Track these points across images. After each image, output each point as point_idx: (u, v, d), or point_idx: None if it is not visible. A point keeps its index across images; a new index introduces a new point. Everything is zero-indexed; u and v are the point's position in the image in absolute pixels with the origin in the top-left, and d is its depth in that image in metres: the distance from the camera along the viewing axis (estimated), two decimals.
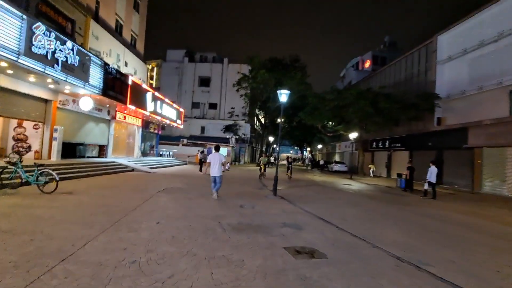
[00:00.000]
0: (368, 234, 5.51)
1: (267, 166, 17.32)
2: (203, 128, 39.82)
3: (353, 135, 21.82)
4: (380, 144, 27.20)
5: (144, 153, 22.38)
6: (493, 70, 15.85)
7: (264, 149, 39.25)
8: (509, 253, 4.98)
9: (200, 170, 16.99)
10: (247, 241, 4.56)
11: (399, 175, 16.23)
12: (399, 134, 23.97)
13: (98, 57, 13.21)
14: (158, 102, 18.96)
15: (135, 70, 22.20)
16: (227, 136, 36.77)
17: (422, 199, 11.99)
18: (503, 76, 15.22)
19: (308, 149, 59.99)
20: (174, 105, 22.73)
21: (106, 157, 16.32)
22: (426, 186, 12.38)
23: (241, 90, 31.65)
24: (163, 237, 4.42)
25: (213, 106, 41.54)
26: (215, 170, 8.23)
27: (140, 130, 20.52)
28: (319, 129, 46.27)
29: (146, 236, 4.44)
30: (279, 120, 38.12)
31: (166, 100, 20.71)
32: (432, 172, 12.12)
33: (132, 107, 15.46)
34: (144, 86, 17.39)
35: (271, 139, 39.95)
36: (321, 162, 41.05)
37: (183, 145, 32.98)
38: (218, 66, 41.87)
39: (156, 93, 18.98)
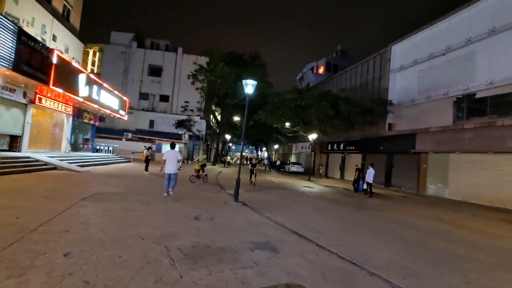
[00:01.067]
0: (355, 253, 4.49)
1: (205, 166, 13.32)
2: (152, 122, 36.13)
3: (312, 137, 21.61)
4: (335, 147, 27.84)
5: (75, 148, 18.75)
6: (440, 81, 16.97)
7: (220, 147, 37.43)
8: (503, 269, 4.44)
9: (146, 169, 14.58)
10: (209, 280, 3.07)
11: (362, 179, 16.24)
12: (354, 138, 24.74)
13: (9, 20, 10.08)
14: (95, 87, 15.87)
15: (66, 48, 18.46)
16: (180, 132, 33.96)
17: (365, 197, 12.97)
18: (449, 87, 16.34)
19: (264, 149, 59.83)
20: (116, 92, 19.56)
21: (19, 151, 12.83)
22: (365, 186, 13.63)
23: (197, 82, 29.31)
24: (67, 286, 2.65)
25: (164, 98, 38.08)
26: (171, 167, 8.12)
27: (70, 119, 17.02)
28: (278, 129, 46.51)
29: (36, 284, 2.62)
30: (236, 118, 36.94)
31: (106, 85, 17.58)
32: (369, 174, 13.15)
33: (59, 90, 12.39)
34: (76, 65, 14.24)
35: (228, 137, 38.28)
36: (277, 163, 40.99)
37: (128, 139, 29.30)
38: (171, 55, 38.53)
39: (93, 76, 15.85)
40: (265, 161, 39.39)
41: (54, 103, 14.82)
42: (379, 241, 5.47)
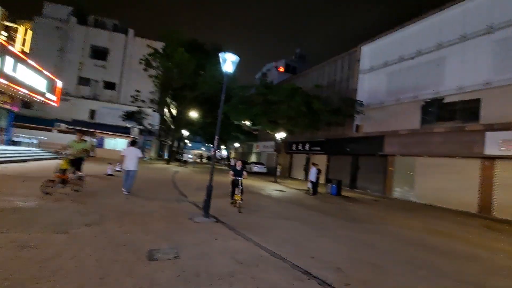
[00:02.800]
0: None
1: (82, 163, 7.48)
2: (93, 112, 30.98)
3: (279, 135, 20.20)
4: (300, 147, 27.00)
5: None
6: (410, 84, 16.98)
7: (175, 144, 33.92)
8: None
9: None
10: None
11: (329, 181, 15.25)
12: (319, 138, 24.12)
13: None
14: (8, 59, 11.87)
15: None
16: (128, 126, 29.69)
17: (308, 195, 13.52)
18: (418, 90, 16.38)
19: (223, 147, 57.32)
20: (42, 70, 15.39)
21: None
22: (309, 185, 14.28)
23: (150, 70, 25.66)
24: None
25: (110, 85, 33.13)
26: (130, 163, 7.93)
27: None
28: (238, 126, 44.41)
29: None
30: (193, 114, 33.91)
31: (27, 59, 13.50)
32: (312, 173, 14.10)
33: None
34: None
35: (185, 133, 35.04)
36: (233, 162, 39.00)
37: (60, 131, 24.25)
38: (120, 36, 33.71)
39: (5, 44, 11.84)
40: (232, 162, 37.05)
41: None
42: (424, 282, 3.94)
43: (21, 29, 40.23)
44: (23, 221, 4.31)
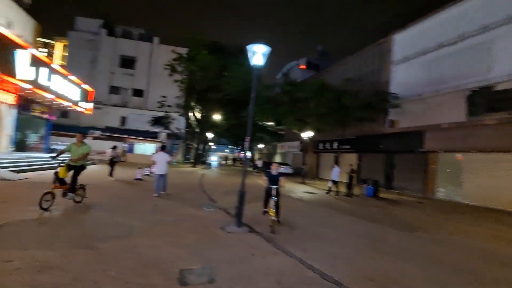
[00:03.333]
0: None
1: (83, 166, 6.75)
2: (123, 119, 32.22)
3: (307, 135, 19.34)
4: (327, 146, 25.85)
5: (23, 147, 15.01)
6: (451, 73, 15.35)
7: (200, 147, 34.22)
8: None
9: (111, 174, 11.39)
10: None
11: (364, 181, 14.17)
12: (348, 136, 22.83)
13: None
14: (44, 70, 12.36)
15: (8, 22, 14.60)
16: (156, 130, 30.42)
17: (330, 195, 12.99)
18: (461, 79, 14.73)
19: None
20: (75, 79, 15.99)
21: None
22: (330, 184, 13.66)
23: (175, 74, 25.99)
24: None
25: (138, 93, 34.29)
26: (161, 168, 8.41)
27: (14, 111, 13.33)
28: (263, 127, 43.95)
29: None
30: (216, 116, 33.98)
31: (60, 70, 14.05)
32: (334, 172, 13.47)
33: None
34: (12, 36, 10.73)
35: (210, 135, 35.23)
36: (259, 164, 38.51)
37: (94, 138, 25.34)
38: (146, 45, 34.79)
39: (40, 55, 12.34)
40: (260, 163, 36.57)
41: None
42: None
43: (58, 45, 42.97)
44: (47, 234, 4.08)
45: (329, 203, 10.63)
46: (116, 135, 27.25)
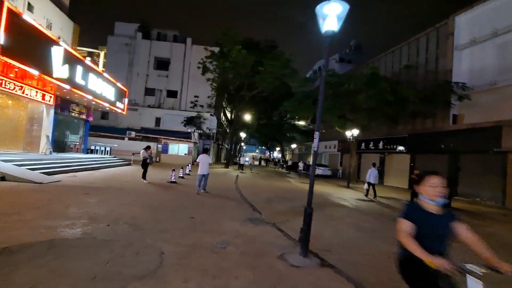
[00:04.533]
0: None
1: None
2: (158, 120, 32.57)
3: (350, 133, 17.28)
4: (371, 145, 23.38)
5: (63, 148, 15.10)
6: None
7: (232, 147, 33.38)
8: None
9: (144, 176, 10.61)
10: None
11: (451, 189, 11.83)
12: (399, 134, 20.24)
13: None
14: (80, 69, 12.06)
15: (49, 23, 14.78)
16: (189, 130, 30.22)
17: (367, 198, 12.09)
18: None
19: (278, 149, 55.55)
20: (111, 78, 15.77)
21: None
22: (366, 186, 12.87)
23: (208, 73, 25.33)
24: None
25: (172, 94, 34.53)
26: (204, 169, 9.13)
27: (52, 112, 13.30)
28: (295, 126, 42.07)
29: None
30: (248, 115, 32.88)
31: (96, 68, 13.78)
32: (371, 174, 12.48)
33: (13, 62, 8.57)
34: (48, 33, 10.40)
35: (242, 135, 34.32)
36: (289, 163, 36.84)
37: (130, 139, 25.60)
38: (179, 46, 34.94)
39: (75, 53, 12.04)
40: (289, 162, 34.95)
41: (26, 88, 11.09)
42: None
43: (102, 53, 45.30)
44: (55, 267, 2.98)
45: (396, 215, 8.72)
46: (151, 135, 27.36)
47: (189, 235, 4.64)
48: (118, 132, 28.73)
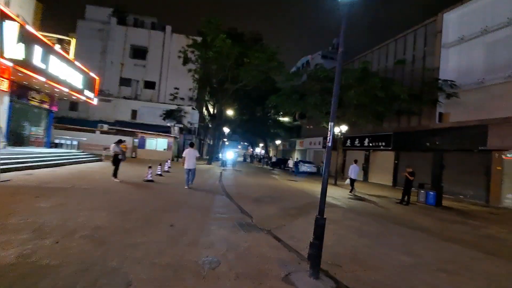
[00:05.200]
0: None
1: None
2: (134, 112, 30.53)
3: (337, 129, 16.83)
4: (356, 142, 23.23)
5: (19, 141, 13.23)
6: None
7: (213, 142, 32.12)
8: None
9: (115, 174, 9.29)
10: None
11: (421, 186, 11.60)
12: (384, 132, 20.15)
13: None
14: (39, 50, 10.39)
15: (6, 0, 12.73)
16: (168, 124, 28.55)
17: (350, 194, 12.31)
18: None
19: (261, 145, 54.85)
20: (78, 64, 14.07)
21: None
22: (347, 181, 13.42)
23: (189, 63, 23.84)
24: None
25: (150, 85, 32.55)
26: (190, 163, 9.13)
27: (6, 99, 11.47)
28: (279, 121, 41.45)
29: None
30: (231, 110, 31.74)
31: (59, 51, 12.07)
32: (353, 170, 12.91)
33: None
34: None
35: (226, 130, 33.18)
36: (273, 159, 36.28)
37: (102, 132, 23.62)
38: (158, 34, 32.93)
39: (32, 30, 10.34)
40: (274, 159, 34.16)
41: None
42: None
43: (74, 41, 41.74)
44: None
45: (396, 217, 8.15)
46: (126, 129, 25.45)
47: (168, 250, 3.65)
48: (89, 125, 26.46)
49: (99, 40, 31.96)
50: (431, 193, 10.64)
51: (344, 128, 16.16)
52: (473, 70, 14.79)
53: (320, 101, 14.86)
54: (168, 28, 32.90)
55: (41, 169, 9.90)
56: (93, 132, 23.83)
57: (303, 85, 17.79)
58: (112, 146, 9.23)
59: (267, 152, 48.01)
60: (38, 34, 10.19)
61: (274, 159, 36.78)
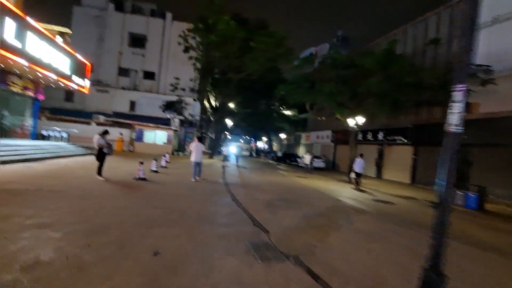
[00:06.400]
0: None
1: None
2: (133, 104, 29.06)
3: (352, 122, 15.25)
4: (369, 136, 21.58)
5: (2, 132, 11.79)
6: None
7: (215, 135, 30.59)
8: None
9: (99, 172, 7.79)
10: None
11: (457, 186, 10.02)
12: (401, 124, 18.50)
13: None
14: (12, 25, 8.83)
15: None
16: (168, 116, 27.05)
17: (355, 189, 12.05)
18: None
19: (265, 139, 53.24)
20: (63, 44, 12.49)
21: None
22: (353, 175, 12.84)
23: (190, 51, 22.15)
24: None
25: (149, 75, 30.93)
26: (198, 156, 9.27)
27: None
28: (284, 115, 39.71)
29: None
30: (233, 103, 30.08)
31: (38, 27, 10.46)
32: (359, 164, 12.62)
33: None
34: None
35: (229, 123, 31.63)
36: (278, 154, 34.93)
37: (98, 124, 22.16)
38: (158, 22, 31.17)
39: (8, 4, 8.74)
40: (279, 153, 32.65)
41: None
42: None
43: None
44: None
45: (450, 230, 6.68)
46: (124, 121, 23.98)
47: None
48: (85, 116, 25.08)
49: (95, 27, 30.25)
50: (472, 195, 9.08)
51: (360, 120, 14.55)
52: (507, 55, 13.05)
53: (335, 90, 13.18)
54: (169, 15, 31.11)
55: (14, 164, 8.45)
56: (88, 123, 22.40)
57: (315, 72, 16.09)
58: (96, 137, 7.71)
59: (271, 146, 46.41)
60: (8, 3, 8.60)
61: (279, 154, 35.33)
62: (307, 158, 18.42)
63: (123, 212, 4.80)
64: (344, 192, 11.15)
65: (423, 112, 17.15)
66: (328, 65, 14.44)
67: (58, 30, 38.19)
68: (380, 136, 20.53)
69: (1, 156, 8.03)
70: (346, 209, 7.32)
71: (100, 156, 7.75)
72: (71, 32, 30.60)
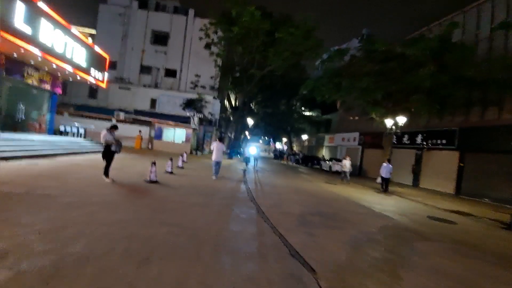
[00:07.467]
0: None
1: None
2: (153, 101, 28.68)
3: (391, 123, 13.43)
4: (405, 139, 19.45)
5: (12, 126, 11.34)
6: None
7: (235, 135, 29.52)
8: None
9: (106, 172, 6.78)
10: None
11: None
12: (445, 127, 16.34)
13: None
14: (22, 7, 8.13)
15: None
16: (188, 114, 26.34)
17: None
18: None
19: (285, 140, 51.54)
20: (79, 35, 11.84)
21: None
22: (379, 180, 12.69)
23: (212, 46, 21.21)
24: None
25: (170, 73, 30.47)
26: (218, 155, 9.63)
27: None
28: (304, 116, 37.97)
29: None
30: (254, 102, 28.79)
31: (53, 14, 9.78)
32: (385, 169, 12.33)
33: None
34: None
35: (250, 122, 30.47)
36: (300, 156, 33.36)
37: (118, 121, 21.80)
38: (180, 19, 30.62)
39: None
40: (300, 155, 31.06)
41: None
42: None
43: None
44: None
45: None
46: (144, 118, 23.55)
47: None
48: (108, 113, 24.94)
49: (120, 24, 30.31)
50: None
51: (401, 120, 12.72)
52: None
53: (373, 85, 11.49)
54: (191, 12, 30.48)
55: (18, 161, 7.72)
56: (110, 120, 22.13)
57: (346, 67, 14.44)
58: (104, 133, 6.75)
59: (291, 147, 44.66)
60: None
61: (300, 155, 33.71)
62: (346, 164, 14.86)
63: (114, 231, 3.60)
64: (386, 203, 9.47)
65: (473, 112, 14.93)
66: (362, 58, 12.74)
67: (85, 32, 39.07)
68: (419, 139, 18.38)
69: (3, 151, 7.29)
70: (403, 233, 5.73)
71: (107, 154, 6.78)
72: (95, 33, 30.98)
